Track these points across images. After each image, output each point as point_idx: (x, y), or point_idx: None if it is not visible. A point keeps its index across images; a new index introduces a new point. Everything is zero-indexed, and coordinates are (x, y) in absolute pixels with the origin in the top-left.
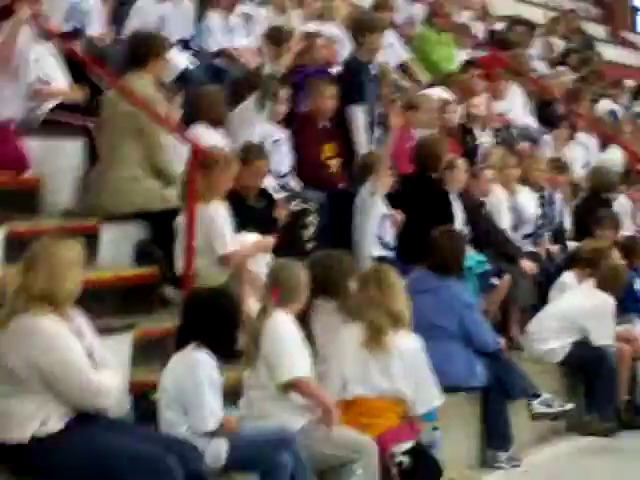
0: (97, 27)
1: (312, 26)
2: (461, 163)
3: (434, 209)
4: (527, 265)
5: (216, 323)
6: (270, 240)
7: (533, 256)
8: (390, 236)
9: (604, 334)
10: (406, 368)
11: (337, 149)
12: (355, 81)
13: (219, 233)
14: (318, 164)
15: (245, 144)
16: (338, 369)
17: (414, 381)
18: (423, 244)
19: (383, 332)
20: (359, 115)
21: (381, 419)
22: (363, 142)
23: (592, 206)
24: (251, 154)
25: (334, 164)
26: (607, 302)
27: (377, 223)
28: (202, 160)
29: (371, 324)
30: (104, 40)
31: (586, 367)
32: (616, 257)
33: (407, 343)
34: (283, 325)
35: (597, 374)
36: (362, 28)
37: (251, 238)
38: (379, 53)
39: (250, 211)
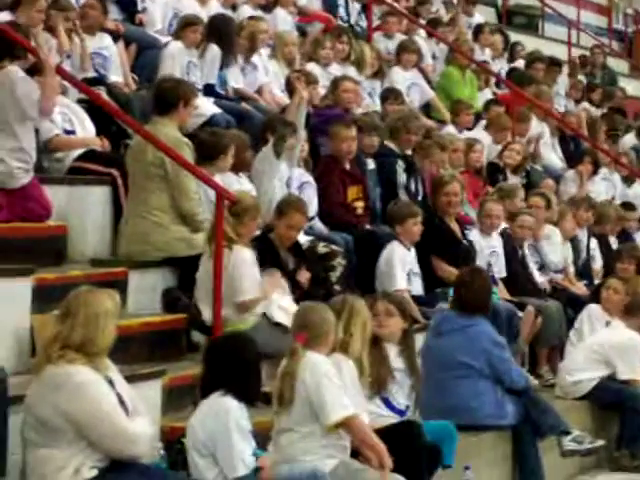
0: (119, 74)
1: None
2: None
3: (433, 237)
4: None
5: (238, 370)
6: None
7: (558, 293)
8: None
9: (630, 368)
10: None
11: (362, 191)
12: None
13: (239, 280)
14: (344, 207)
15: (284, 196)
16: None
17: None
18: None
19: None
20: None
21: None
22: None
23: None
24: (288, 206)
25: (360, 206)
26: (636, 338)
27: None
28: (230, 206)
29: None
30: (127, 87)
31: (616, 403)
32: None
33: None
34: (322, 364)
35: (627, 410)
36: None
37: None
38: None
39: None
